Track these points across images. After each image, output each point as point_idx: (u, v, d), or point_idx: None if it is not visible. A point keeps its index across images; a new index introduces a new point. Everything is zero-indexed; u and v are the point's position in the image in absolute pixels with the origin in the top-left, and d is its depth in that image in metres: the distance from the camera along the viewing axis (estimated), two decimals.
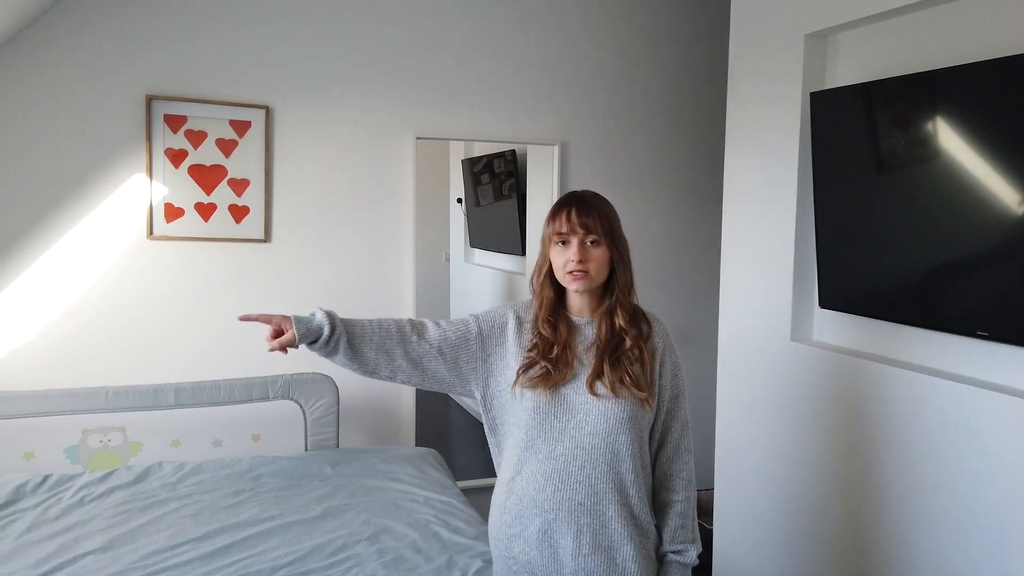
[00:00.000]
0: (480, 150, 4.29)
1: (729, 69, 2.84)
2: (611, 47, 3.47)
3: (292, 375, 2.81)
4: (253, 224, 3.02)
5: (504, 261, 4.32)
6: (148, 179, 2.85)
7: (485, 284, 4.64)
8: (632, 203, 3.49)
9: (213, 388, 2.71)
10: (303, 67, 3.04)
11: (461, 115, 3.27)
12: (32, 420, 2.50)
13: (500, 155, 3.98)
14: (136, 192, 2.86)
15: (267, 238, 3.05)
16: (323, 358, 1.56)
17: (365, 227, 3.19)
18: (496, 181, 4.23)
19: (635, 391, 1.53)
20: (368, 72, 3.13)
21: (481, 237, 4.63)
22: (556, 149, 3.40)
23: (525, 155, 3.74)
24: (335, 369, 3.05)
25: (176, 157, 2.89)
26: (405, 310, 3.21)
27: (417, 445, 3.19)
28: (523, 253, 3.99)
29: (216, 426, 2.72)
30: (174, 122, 2.87)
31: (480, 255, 4.69)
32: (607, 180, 3.46)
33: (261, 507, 2.36)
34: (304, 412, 2.82)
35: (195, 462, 2.64)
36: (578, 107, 3.44)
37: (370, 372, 1.56)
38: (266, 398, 2.77)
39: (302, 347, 1.51)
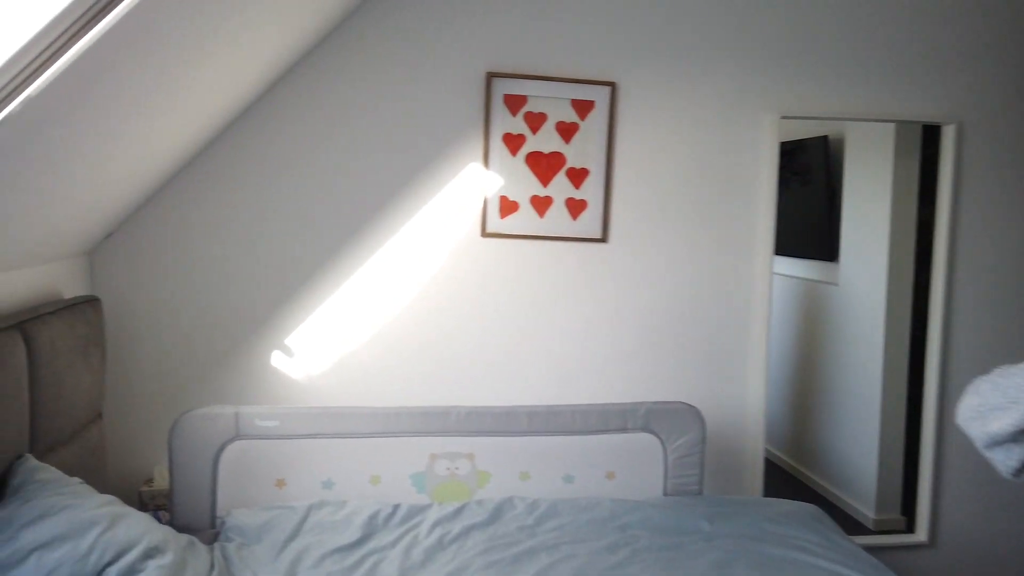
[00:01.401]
0: (786, 134, 3.65)
1: None
2: None
3: (654, 404, 2.35)
4: (590, 221, 2.59)
5: (807, 268, 3.66)
6: (484, 168, 2.50)
7: (782, 295, 4.00)
8: None
9: (568, 415, 2.30)
10: (651, 37, 2.57)
11: (832, 89, 2.67)
12: (379, 440, 2.20)
13: (807, 141, 3.33)
14: (472, 184, 2.52)
15: (604, 237, 2.61)
16: None
17: (713, 223, 2.67)
18: (801, 172, 3.59)
19: None
20: (723, 39, 2.61)
21: (777, 239, 4.00)
22: (951, 129, 2.71)
23: (841, 140, 3.08)
24: (703, 396, 2.67)
25: (514, 143, 2.52)
26: (755, 322, 2.67)
27: (765, 495, 2.63)
28: (834, 259, 3.33)
29: (568, 458, 2.30)
30: (513, 103, 2.50)
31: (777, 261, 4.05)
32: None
33: (649, 572, 1.90)
34: (665, 448, 2.34)
35: (548, 500, 2.23)
36: (984, 76, 2.73)
37: None
38: (623, 429, 2.32)
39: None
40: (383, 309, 2.51)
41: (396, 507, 2.15)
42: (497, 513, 2.18)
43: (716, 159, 2.66)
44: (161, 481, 2.40)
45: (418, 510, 2.16)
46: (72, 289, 2.26)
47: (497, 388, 2.58)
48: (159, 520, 2.25)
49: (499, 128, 2.50)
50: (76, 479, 1.69)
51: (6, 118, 1.27)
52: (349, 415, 2.18)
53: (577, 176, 2.57)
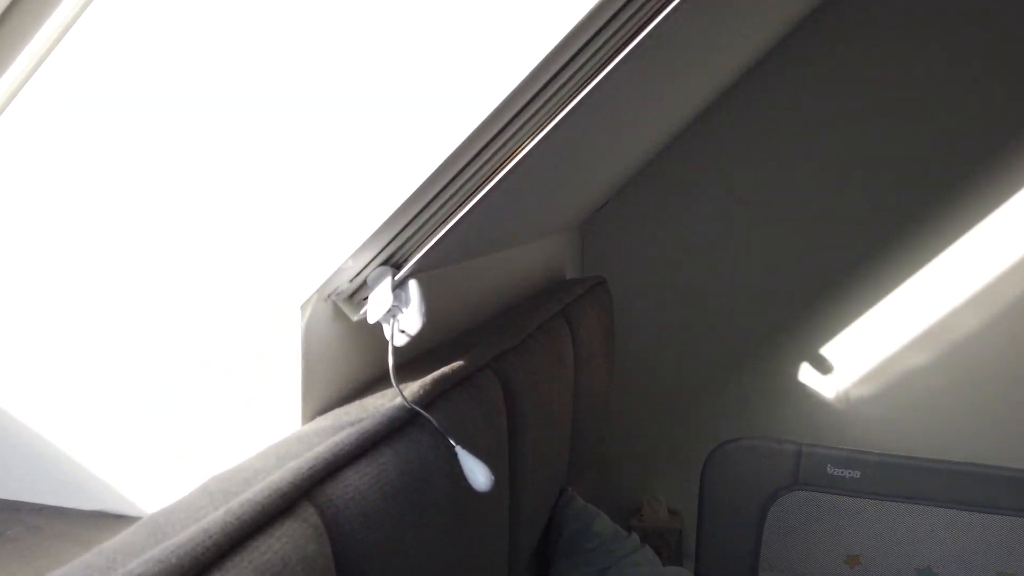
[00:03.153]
0: None
1: None
2: None
3: None
4: None
5: None
6: None
7: None
8: None
9: None
10: None
11: None
12: (1019, 520, 1.41)
13: None
14: None
15: None
16: None
17: None
18: None
19: None
20: None
21: None
22: None
23: None
24: None
25: None
26: None
27: None
28: None
29: None
30: None
31: None
32: None
33: None
34: None
35: None
36: None
37: None
38: None
39: None
40: (973, 313, 1.71)
41: None
42: None
43: None
44: (652, 515, 1.90)
45: None
46: (570, 269, 1.84)
47: None
48: None
49: None
50: (634, 536, 1.20)
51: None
52: (977, 477, 1.42)
53: None
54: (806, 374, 1.84)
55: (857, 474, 1.46)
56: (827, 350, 1.82)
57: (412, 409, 0.64)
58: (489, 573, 0.85)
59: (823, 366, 1.82)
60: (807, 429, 1.82)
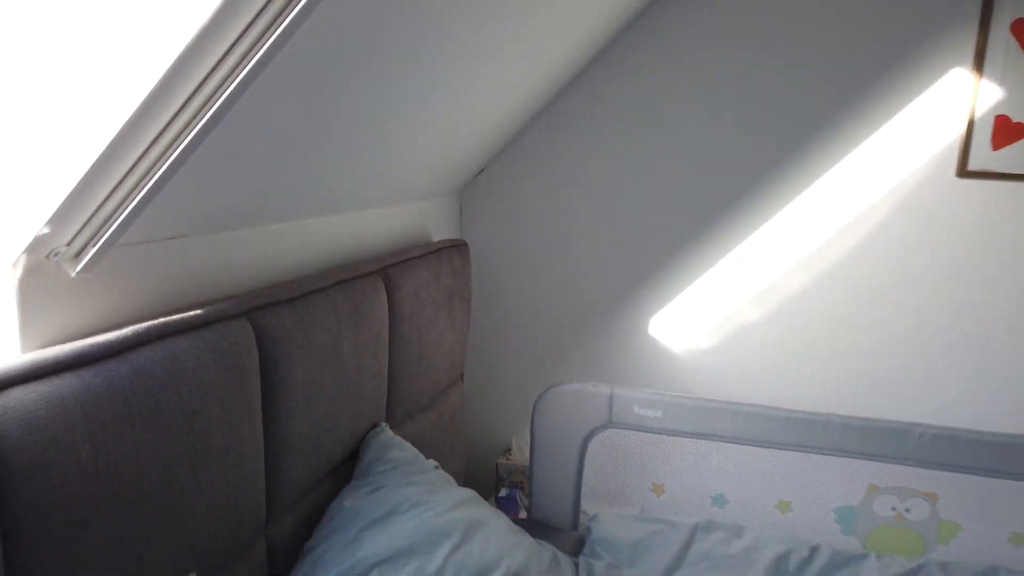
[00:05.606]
0: None
1: None
2: None
3: None
4: None
5: None
6: (975, 76, 1.69)
7: None
8: None
9: None
10: None
11: None
12: (797, 455, 1.61)
13: None
14: (951, 99, 1.72)
15: None
16: None
17: None
18: None
19: None
20: None
21: None
22: None
23: None
24: None
25: None
26: None
27: None
28: None
29: None
30: None
31: None
32: None
33: None
34: None
35: None
36: None
37: None
38: None
39: None
40: (801, 274, 1.88)
41: (814, 550, 1.56)
42: None
43: None
44: (519, 454, 2.11)
45: (847, 560, 1.54)
46: (441, 231, 2.02)
47: (981, 403, 1.80)
48: (517, 505, 1.96)
49: (1007, 13, 1.65)
50: (431, 462, 1.40)
51: (372, 33, 0.94)
52: (757, 416, 1.61)
53: None
54: (653, 327, 2.02)
55: (659, 413, 1.66)
56: (669, 307, 2.00)
57: (116, 344, 0.83)
58: (243, 490, 1.05)
59: (666, 320, 2.00)
60: (660, 380, 2.01)
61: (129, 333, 0.87)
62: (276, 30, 0.74)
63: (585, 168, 1.99)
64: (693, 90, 1.87)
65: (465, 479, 1.93)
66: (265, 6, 0.72)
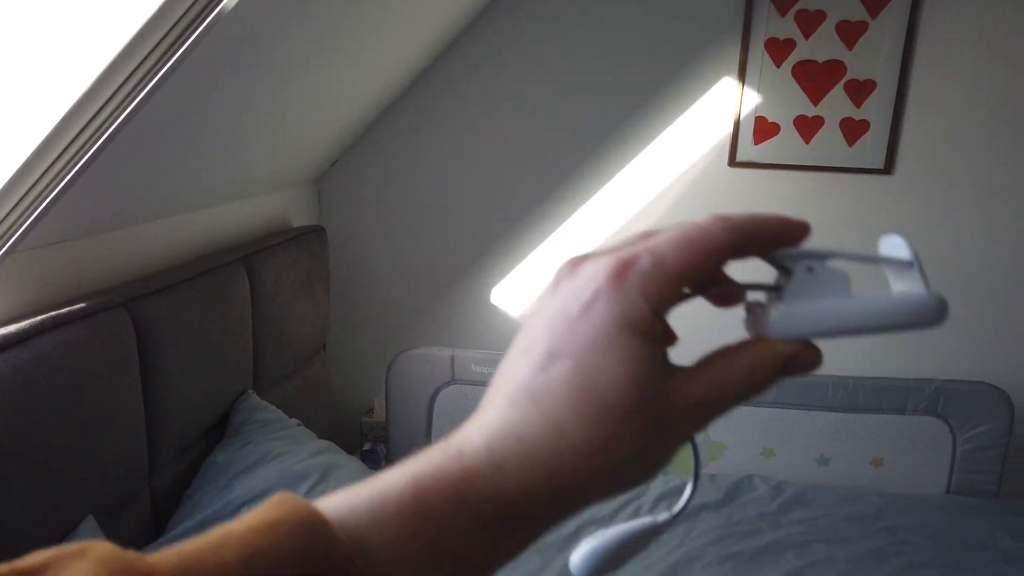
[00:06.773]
0: None
1: None
2: None
3: (946, 382, 1.87)
4: (871, 147, 2.08)
5: None
6: (739, 84, 2.08)
7: None
8: None
9: (829, 387, 1.90)
10: None
11: None
12: None
13: None
14: (722, 102, 2.11)
15: (889, 168, 2.09)
16: None
17: None
18: None
19: None
20: None
21: None
22: None
23: None
24: (1015, 376, 2.04)
25: (779, 51, 2.05)
26: None
27: None
28: None
29: (824, 438, 1.93)
30: (783, 0, 2.02)
31: None
32: None
33: None
34: (954, 438, 1.88)
35: (796, 485, 1.89)
36: None
37: None
38: (901, 410, 1.89)
39: None
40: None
41: None
42: (733, 493, 1.88)
43: None
44: (381, 413, 2.38)
45: None
46: (301, 218, 2.23)
47: None
48: (379, 457, 2.24)
49: (762, 32, 2.05)
50: (295, 421, 1.65)
51: (232, 39, 1.14)
52: None
53: (858, 90, 2.05)
54: (495, 296, 2.33)
55: (494, 370, 1.97)
56: (508, 279, 2.31)
57: (17, 335, 1.04)
58: (128, 450, 1.27)
59: (505, 290, 2.32)
60: (491, 339, 2.33)
61: (27, 325, 1.07)
62: (146, 50, 0.96)
63: (430, 156, 2.26)
64: (519, 92, 2.17)
65: (332, 436, 2.17)
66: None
